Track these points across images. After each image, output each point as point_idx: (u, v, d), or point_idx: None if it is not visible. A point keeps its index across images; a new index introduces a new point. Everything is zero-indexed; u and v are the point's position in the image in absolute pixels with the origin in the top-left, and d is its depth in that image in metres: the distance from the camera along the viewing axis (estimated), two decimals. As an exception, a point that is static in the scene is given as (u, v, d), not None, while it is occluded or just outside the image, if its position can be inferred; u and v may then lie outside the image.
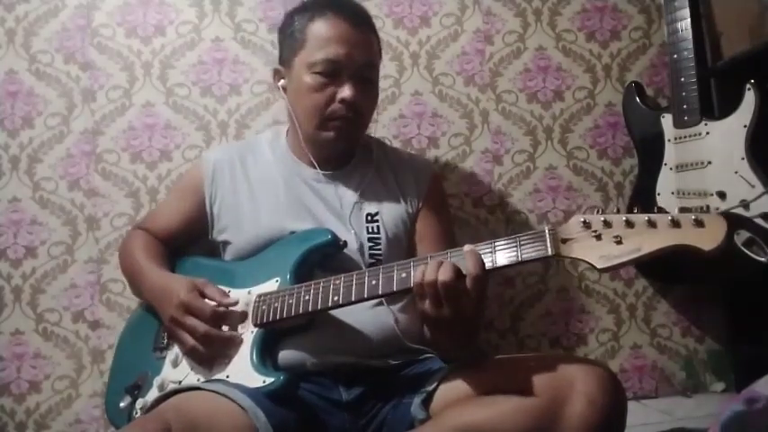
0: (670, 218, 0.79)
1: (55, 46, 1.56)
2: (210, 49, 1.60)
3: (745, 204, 1.34)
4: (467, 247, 0.90)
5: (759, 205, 1.32)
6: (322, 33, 1.15)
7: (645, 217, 0.81)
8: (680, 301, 1.62)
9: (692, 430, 1.31)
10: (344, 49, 1.14)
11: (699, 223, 0.78)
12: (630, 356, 1.60)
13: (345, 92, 1.13)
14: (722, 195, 1.37)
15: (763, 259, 1.31)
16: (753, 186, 1.34)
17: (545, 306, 1.60)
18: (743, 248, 1.33)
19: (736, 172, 1.37)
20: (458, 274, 0.88)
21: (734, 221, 1.31)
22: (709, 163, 1.41)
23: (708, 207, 1.38)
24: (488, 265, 0.88)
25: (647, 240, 0.80)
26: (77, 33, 1.57)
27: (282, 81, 1.23)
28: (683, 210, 0.81)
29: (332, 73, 1.14)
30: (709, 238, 0.77)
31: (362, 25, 1.18)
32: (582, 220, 0.84)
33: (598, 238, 0.82)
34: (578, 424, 0.84)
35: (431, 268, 0.89)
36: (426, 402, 0.98)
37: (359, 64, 1.15)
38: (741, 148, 1.36)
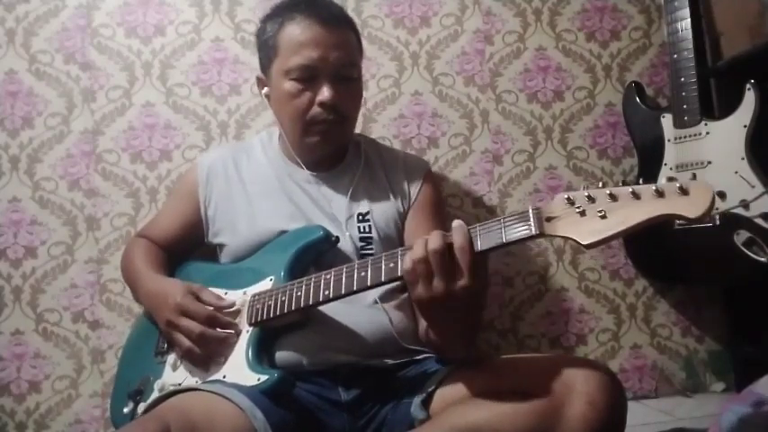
0: (654, 188, 0.77)
1: (55, 46, 1.56)
2: (210, 49, 1.60)
3: (745, 204, 1.34)
4: (455, 223, 0.88)
5: (759, 205, 1.32)
6: (293, 39, 1.13)
7: (629, 189, 0.79)
8: (680, 301, 1.62)
9: (692, 430, 1.31)
10: (317, 52, 1.12)
11: (683, 191, 0.76)
12: (630, 356, 1.60)
13: (323, 95, 1.12)
14: (722, 195, 1.37)
15: (763, 259, 1.32)
16: (753, 186, 1.34)
17: (545, 306, 1.60)
18: (743, 248, 1.33)
19: (736, 172, 1.37)
20: (448, 244, 0.85)
21: (734, 221, 1.32)
22: (709, 163, 1.41)
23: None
24: (475, 248, 0.86)
25: (632, 212, 0.78)
26: (77, 33, 1.57)
27: (266, 89, 1.22)
28: (670, 179, 0.79)
29: (308, 77, 1.13)
30: (694, 206, 0.75)
31: (335, 24, 1.15)
32: (566, 197, 0.82)
33: (582, 214, 0.80)
34: (578, 424, 0.83)
35: (418, 245, 0.86)
36: (426, 403, 0.98)
37: (334, 64, 1.13)
38: (741, 148, 1.36)
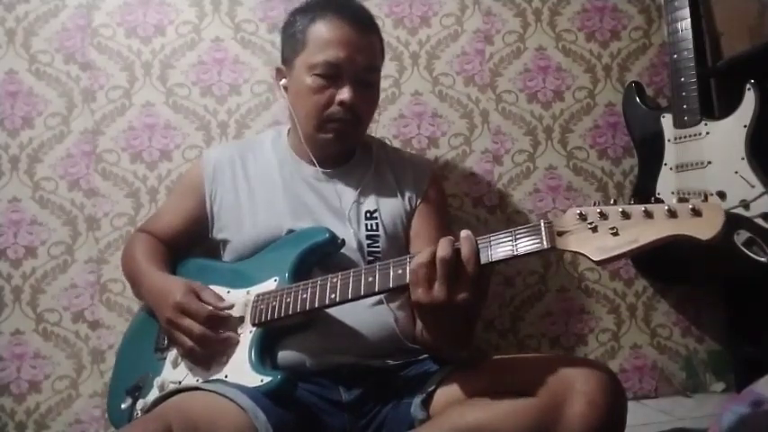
0: (666, 208, 0.78)
1: (55, 46, 1.56)
2: (210, 49, 1.60)
3: (745, 204, 1.34)
4: (463, 233, 0.89)
5: (759, 205, 1.32)
6: (322, 35, 1.15)
7: (641, 208, 0.79)
8: (680, 301, 1.62)
9: (691, 430, 1.31)
10: (345, 51, 1.13)
11: (696, 212, 0.77)
12: (630, 356, 1.60)
13: (344, 94, 1.13)
14: (722, 195, 1.37)
15: (763, 259, 1.32)
16: (753, 186, 1.34)
17: (545, 306, 1.60)
18: (743, 248, 1.33)
19: (736, 172, 1.37)
20: (456, 252, 0.86)
21: (734, 221, 1.32)
22: (709, 163, 1.41)
23: (708, 207, 1.38)
24: (484, 259, 0.87)
25: (643, 231, 0.78)
26: (77, 33, 1.57)
27: (284, 80, 1.23)
28: (681, 201, 0.79)
29: (332, 75, 1.14)
30: (706, 227, 0.76)
31: (364, 27, 1.17)
32: (578, 212, 0.83)
33: (594, 230, 0.81)
34: (578, 424, 0.83)
35: (427, 251, 0.88)
36: (426, 403, 0.98)
37: (359, 67, 1.15)
38: (741, 148, 1.37)
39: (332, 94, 1.15)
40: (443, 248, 0.86)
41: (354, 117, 1.16)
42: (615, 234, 0.80)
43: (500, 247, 0.87)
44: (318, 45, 1.15)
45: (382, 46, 1.25)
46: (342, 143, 1.20)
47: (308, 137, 1.21)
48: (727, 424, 0.73)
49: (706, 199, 0.79)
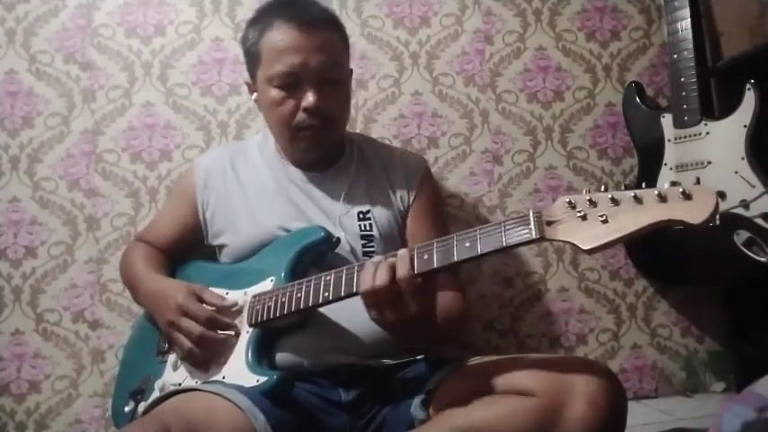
0: (657, 192, 0.76)
1: (55, 46, 1.56)
2: (210, 49, 1.59)
3: (745, 204, 1.34)
4: (400, 252, 0.91)
5: (759, 205, 1.32)
6: (273, 46, 1.12)
7: (631, 193, 0.77)
8: (680, 301, 1.62)
9: (691, 430, 1.31)
10: (298, 58, 1.11)
11: (687, 196, 0.75)
12: (630, 356, 1.59)
13: (307, 100, 1.11)
14: (722, 195, 1.37)
15: (763, 259, 1.32)
16: (753, 186, 1.34)
17: (545, 306, 1.60)
18: (743, 248, 1.33)
19: (736, 172, 1.37)
20: (392, 277, 0.88)
21: (734, 221, 1.32)
22: (709, 163, 1.41)
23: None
24: (475, 252, 0.86)
25: (633, 217, 0.77)
26: (77, 33, 1.57)
27: (255, 94, 1.22)
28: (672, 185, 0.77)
29: (291, 84, 1.12)
30: (697, 211, 0.74)
31: (314, 27, 1.13)
32: (567, 200, 0.82)
33: (584, 218, 0.80)
34: (578, 425, 0.83)
35: (368, 275, 0.90)
36: (426, 403, 0.98)
37: (317, 69, 1.12)
38: (741, 148, 1.37)
39: (296, 103, 1.13)
40: (380, 277, 0.88)
41: (324, 120, 1.14)
42: (605, 221, 0.78)
43: (489, 239, 0.86)
44: (271, 57, 1.12)
45: (344, 36, 1.20)
46: (318, 149, 1.19)
47: (286, 148, 1.21)
48: (730, 428, 0.72)
49: (698, 182, 0.77)
